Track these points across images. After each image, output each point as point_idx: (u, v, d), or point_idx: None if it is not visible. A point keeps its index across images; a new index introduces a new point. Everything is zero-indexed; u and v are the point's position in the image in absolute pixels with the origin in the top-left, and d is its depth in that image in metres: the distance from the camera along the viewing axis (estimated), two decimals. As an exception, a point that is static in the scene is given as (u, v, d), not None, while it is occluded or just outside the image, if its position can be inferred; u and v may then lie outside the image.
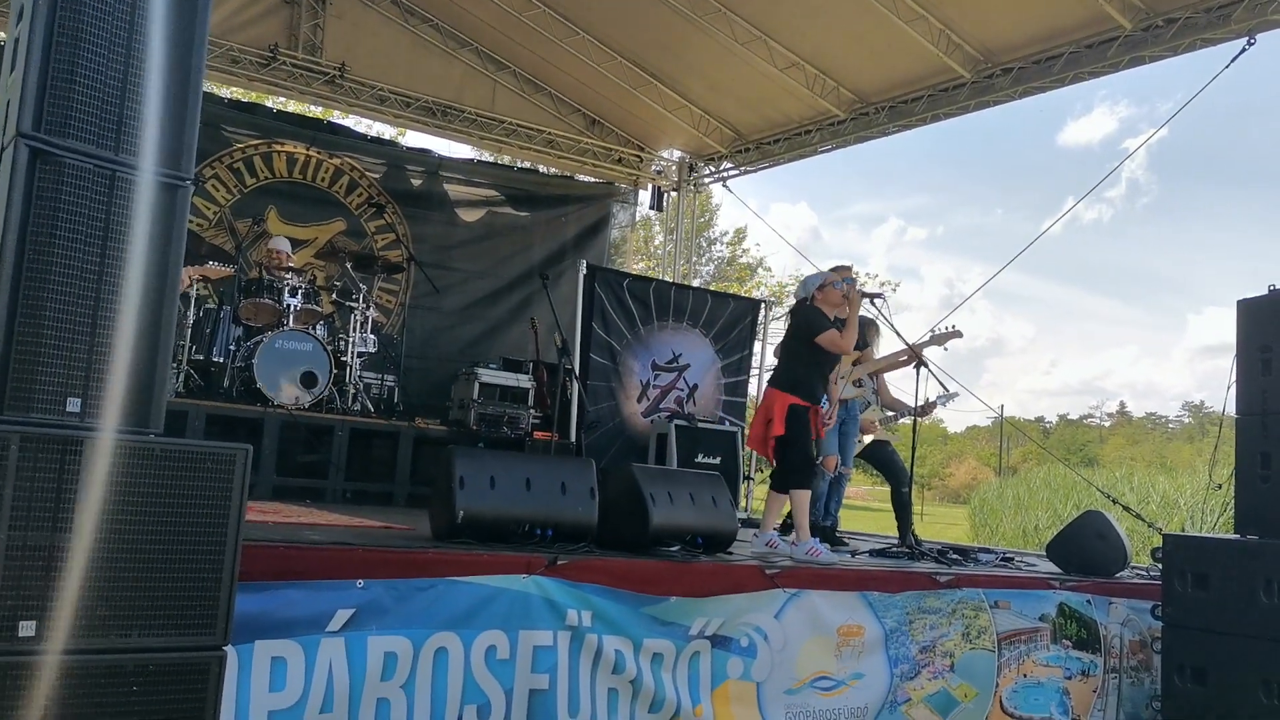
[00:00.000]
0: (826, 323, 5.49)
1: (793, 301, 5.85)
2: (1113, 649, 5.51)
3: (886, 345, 6.87)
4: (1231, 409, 5.21)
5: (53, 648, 2.40)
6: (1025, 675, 5.21)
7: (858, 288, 5.63)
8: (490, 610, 3.78)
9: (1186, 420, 65.98)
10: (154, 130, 2.73)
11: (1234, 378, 5.19)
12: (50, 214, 2.56)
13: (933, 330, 6.43)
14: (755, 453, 7.44)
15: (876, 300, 6.32)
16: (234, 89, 10.80)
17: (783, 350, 5.84)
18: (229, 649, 2.74)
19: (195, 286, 7.55)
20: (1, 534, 2.34)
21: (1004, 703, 5.13)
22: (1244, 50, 7.15)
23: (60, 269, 2.55)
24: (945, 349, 6.38)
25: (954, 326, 6.40)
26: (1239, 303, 5.20)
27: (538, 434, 8.39)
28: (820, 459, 6.50)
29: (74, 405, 2.54)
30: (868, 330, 6.85)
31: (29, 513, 2.40)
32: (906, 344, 6.36)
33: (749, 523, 8.11)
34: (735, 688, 4.34)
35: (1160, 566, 5.29)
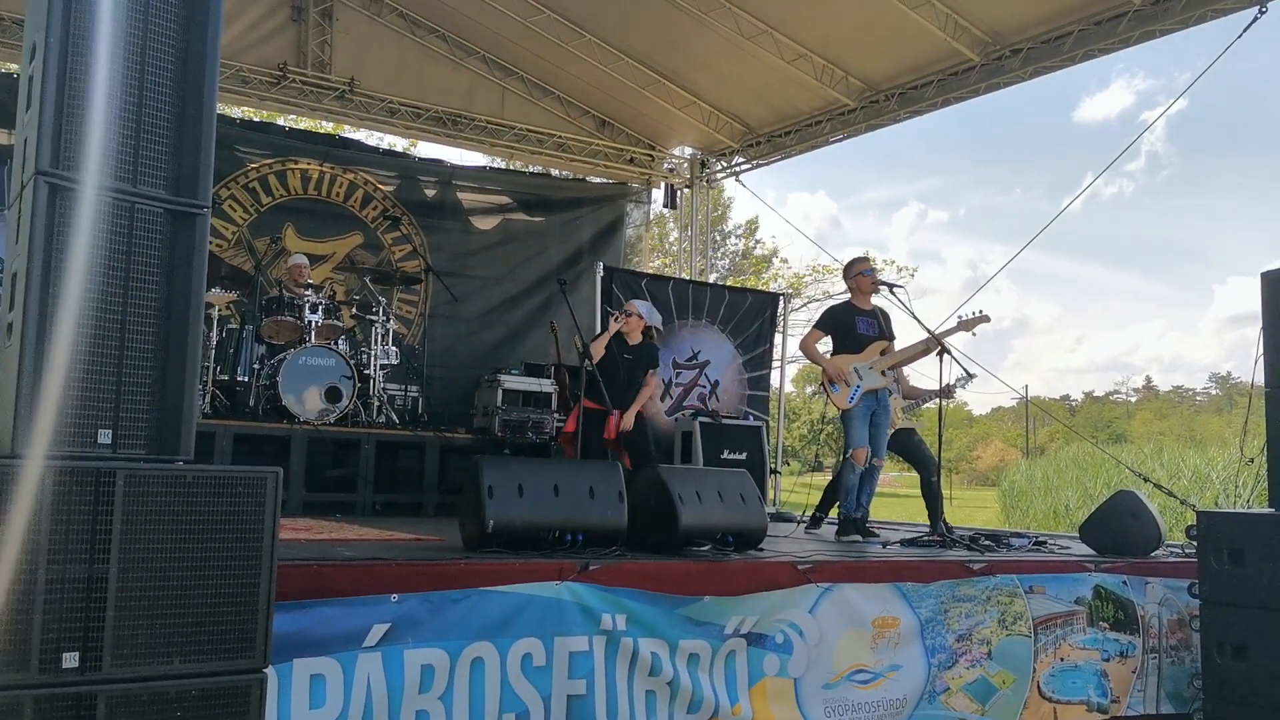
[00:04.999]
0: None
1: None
2: (1151, 629, 5.47)
3: (909, 336, 6.84)
4: (1260, 379, 5.16)
5: (96, 678, 2.43)
6: (1062, 659, 5.18)
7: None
8: (524, 618, 3.80)
9: (1214, 392, 65.40)
10: (172, 161, 2.75)
11: (1261, 350, 5.13)
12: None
13: (959, 316, 6.38)
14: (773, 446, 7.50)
15: (896, 290, 6.35)
16: (245, 109, 10.85)
17: None
18: (269, 670, 2.77)
19: (216, 309, 7.62)
20: (41, 568, 2.36)
21: (1041, 687, 5.11)
22: (1255, 20, 7.07)
23: (85, 303, 2.58)
24: (974, 334, 6.33)
25: (981, 311, 6.35)
26: (1263, 275, 5.14)
27: (562, 438, 8.39)
28: (850, 451, 6.48)
29: (105, 437, 2.57)
30: (890, 322, 6.82)
31: (66, 546, 2.43)
32: (929, 332, 6.33)
33: (778, 517, 8.11)
34: (773, 685, 4.34)
35: (1195, 544, 5.24)
